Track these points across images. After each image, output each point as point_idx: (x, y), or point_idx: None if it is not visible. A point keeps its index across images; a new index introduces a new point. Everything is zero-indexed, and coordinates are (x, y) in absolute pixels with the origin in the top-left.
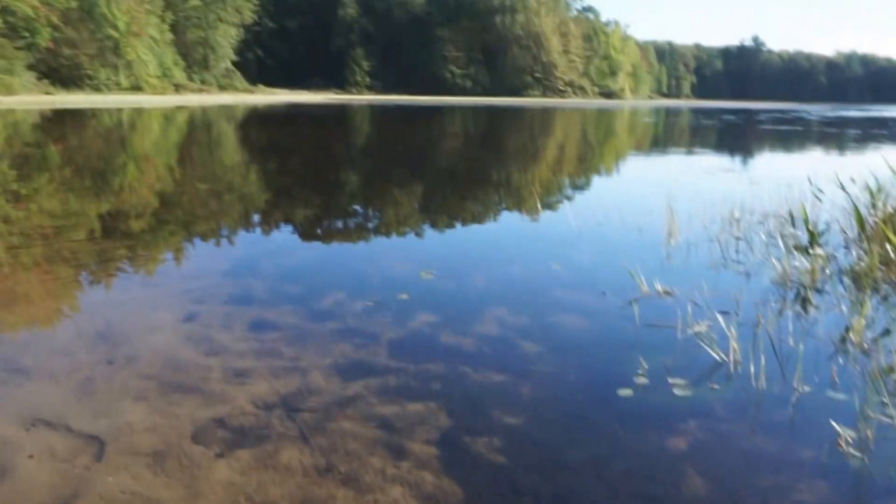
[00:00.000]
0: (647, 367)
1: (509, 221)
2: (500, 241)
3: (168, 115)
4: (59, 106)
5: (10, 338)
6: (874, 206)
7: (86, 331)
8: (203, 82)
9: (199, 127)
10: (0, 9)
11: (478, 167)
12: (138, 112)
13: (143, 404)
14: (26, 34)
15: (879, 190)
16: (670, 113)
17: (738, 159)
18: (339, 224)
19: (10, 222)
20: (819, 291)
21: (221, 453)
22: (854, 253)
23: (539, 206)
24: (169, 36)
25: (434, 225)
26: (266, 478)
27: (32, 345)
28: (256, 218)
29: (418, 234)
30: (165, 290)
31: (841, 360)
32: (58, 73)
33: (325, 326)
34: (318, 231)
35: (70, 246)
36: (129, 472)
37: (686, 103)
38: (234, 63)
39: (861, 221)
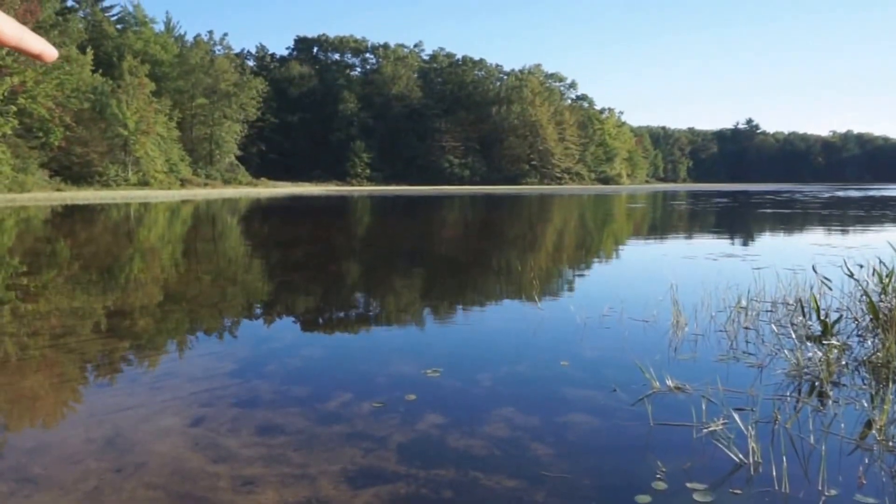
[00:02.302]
0: (664, 469)
1: (512, 313)
2: (505, 335)
3: (174, 209)
4: (69, 202)
5: (19, 444)
6: (885, 291)
7: (94, 437)
8: (208, 177)
9: (203, 220)
10: (17, 111)
11: (478, 256)
12: (145, 206)
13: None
14: (41, 134)
15: (889, 276)
16: (668, 197)
17: (739, 243)
18: (344, 318)
19: (20, 319)
20: (836, 384)
21: None
22: (869, 342)
23: (541, 297)
24: (176, 133)
25: (437, 318)
26: None
27: (41, 452)
28: (261, 313)
29: (422, 328)
30: (172, 392)
31: (866, 460)
32: (69, 171)
33: (333, 430)
34: (323, 326)
35: (78, 345)
36: None
37: (683, 187)
38: (238, 157)
39: (875, 311)
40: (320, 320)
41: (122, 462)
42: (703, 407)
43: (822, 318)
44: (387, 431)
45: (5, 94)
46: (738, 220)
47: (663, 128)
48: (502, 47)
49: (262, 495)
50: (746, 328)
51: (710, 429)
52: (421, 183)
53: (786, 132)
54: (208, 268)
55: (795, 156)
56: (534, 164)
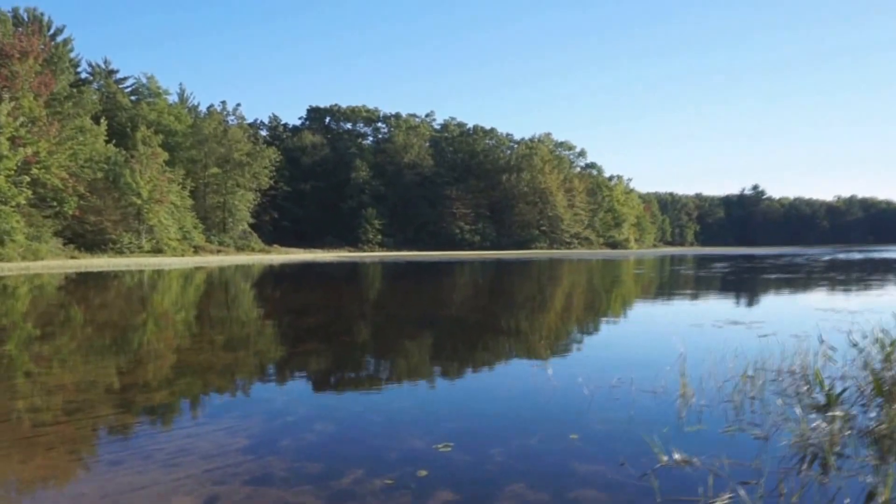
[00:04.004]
0: None
1: (523, 382)
2: (516, 406)
3: (187, 276)
4: (83, 269)
5: None
6: (888, 360)
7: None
8: (221, 244)
9: (216, 286)
10: (30, 181)
11: (488, 320)
12: (159, 273)
13: None
14: (54, 203)
15: (892, 345)
16: (675, 261)
17: (744, 309)
18: (356, 389)
19: (32, 392)
20: (840, 455)
21: None
22: (873, 413)
23: (551, 364)
24: (189, 201)
25: (449, 388)
26: None
27: None
28: (273, 384)
29: (434, 399)
30: (185, 470)
31: None
32: (83, 238)
33: None
34: (335, 398)
35: (90, 421)
36: None
37: (690, 251)
38: (250, 225)
39: (878, 384)
40: (332, 390)
41: None
42: (710, 481)
43: (825, 389)
44: None
45: (19, 164)
46: (743, 286)
47: (671, 193)
48: (512, 117)
49: None
50: (752, 398)
51: None
52: (432, 249)
53: (791, 197)
54: (221, 335)
55: (801, 220)
56: (543, 230)
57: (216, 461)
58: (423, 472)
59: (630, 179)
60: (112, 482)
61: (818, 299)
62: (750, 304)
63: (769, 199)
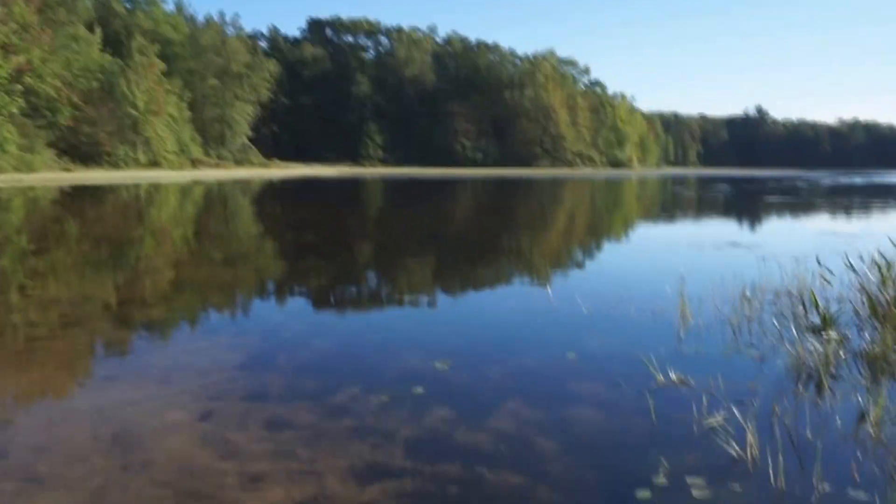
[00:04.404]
0: (664, 465)
1: (522, 302)
2: (513, 326)
3: (185, 190)
4: (78, 182)
5: (24, 441)
6: (884, 284)
7: (101, 433)
8: (220, 157)
9: (215, 201)
10: (23, 90)
11: (488, 240)
12: (156, 187)
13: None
14: (48, 113)
15: (889, 268)
16: (677, 181)
17: (745, 231)
18: (354, 306)
19: (28, 306)
20: (834, 377)
21: None
22: (867, 335)
23: (550, 285)
24: (187, 113)
25: (448, 306)
26: None
27: (47, 449)
28: (271, 301)
29: (432, 317)
30: (181, 385)
31: (859, 455)
32: (77, 150)
33: (341, 424)
34: (333, 315)
35: (86, 336)
36: None
37: (693, 172)
38: (249, 138)
39: (873, 306)
40: (330, 307)
41: (129, 459)
42: (705, 401)
43: (821, 311)
44: (394, 426)
45: (11, 72)
46: (744, 208)
47: (675, 114)
48: (516, 32)
49: (270, 492)
50: (750, 319)
51: (711, 423)
52: (434, 165)
53: (794, 120)
54: (219, 250)
55: (804, 142)
56: (546, 148)
57: (212, 377)
58: (420, 390)
59: (634, 98)
60: (106, 397)
61: (819, 222)
62: (750, 226)
63: (773, 120)
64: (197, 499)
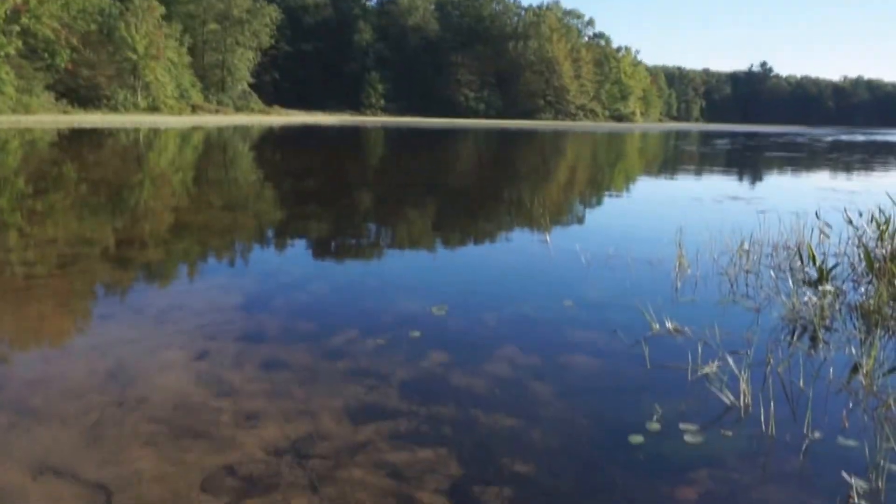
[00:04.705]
0: (658, 411)
1: (520, 250)
2: (512, 273)
3: (184, 135)
4: (76, 125)
5: (20, 375)
6: (881, 238)
7: (97, 370)
8: (220, 103)
9: (214, 147)
10: (20, 31)
11: (490, 189)
12: (155, 132)
13: (152, 451)
14: (46, 56)
15: (887, 223)
16: (680, 136)
17: (745, 186)
18: (352, 251)
19: (25, 245)
20: (828, 329)
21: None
22: (863, 289)
23: (549, 233)
24: (187, 59)
25: (446, 253)
26: None
27: (42, 384)
28: (270, 245)
29: (430, 264)
30: (177, 325)
31: (851, 404)
32: (76, 94)
33: (337, 366)
34: (331, 259)
35: (83, 274)
36: None
37: (695, 126)
38: (250, 85)
39: (870, 260)
40: (329, 253)
41: (125, 395)
42: (700, 350)
43: (818, 264)
44: (390, 369)
45: (7, 13)
46: (746, 163)
47: (678, 68)
48: None
49: (264, 430)
50: (747, 271)
51: (705, 371)
52: (436, 115)
53: (798, 76)
54: (218, 195)
55: (807, 99)
56: (549, 100)
57: (208, 317)
58: (416, 334)
59: (638, 51)
60: (102, 334)
61: (819, 179)
62: (751, 181)
63: (776, 76)
64: (192, 435)
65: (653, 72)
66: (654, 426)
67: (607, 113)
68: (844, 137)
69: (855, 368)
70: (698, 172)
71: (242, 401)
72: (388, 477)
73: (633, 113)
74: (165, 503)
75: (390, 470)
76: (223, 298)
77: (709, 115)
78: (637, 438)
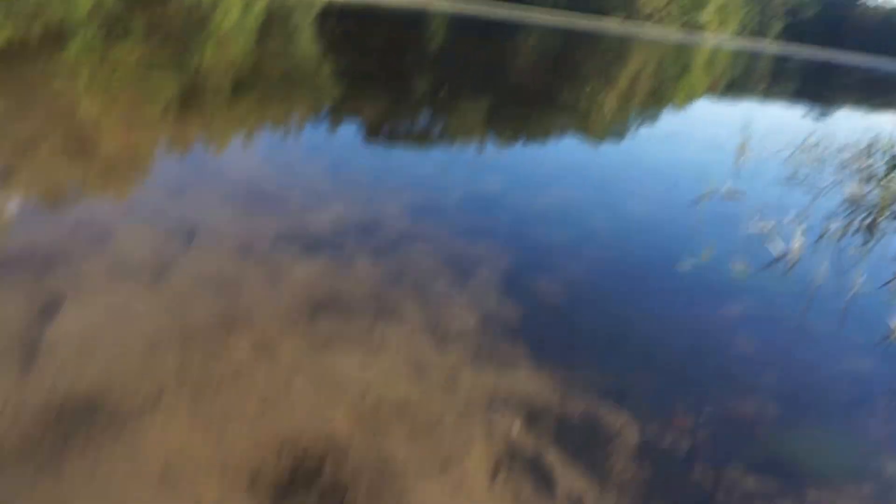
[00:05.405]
0: (707, 250)
1: (581, 149)
2: (574, 155)
3: (247, 4)
4: None
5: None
6: None
7: (181, 162)
8: None
9: (275, 18)
10: None
11: (550, 92)
12: None
13: (232, 208)
14: None
15: None
16: (756, 56)
17: (818, 111)
18: (402, 139)
19: (81, 104)
20: (888, 218)
21: (299, 256)
22: None
23: (609, 127)
24: None
25: (501, 141)
26: (341, 280)
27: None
28: (320, 123)
29: (488, 145)
30: (248, 149)
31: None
32: None
33: (399, 173)
34: (382, 146)
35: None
36: (214, 258)
37: (773, 47)
38: None
39: None
40: (380, 140)
41: (203, 172)
42: (754, 212)
43: (887, 158)
44: (449, 184)
45: None
46: (823, 91)
47: None
48: None
49: (332, 208)
50: (814, 161)
51: (758, 228)
52: (503, 1)
53: (894, 2)
54: (274, 67)
55: None
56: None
57: (279, 148)
58: (474, 164)
59: None
60: (187, 144)
61: None
62: (824, 108)
63: (865, 4)
64: (264, 205)
65: None
66: (703, 260)
67: (681, 21)
68: None
69: None
70: (768, 96)
71: (311, 185)
72: (444, 258)
73: (709, 24)
74: (241, 247)
75: (447, 254)
76: (289, 144)
77: (789, 35)
78: (685, 265)
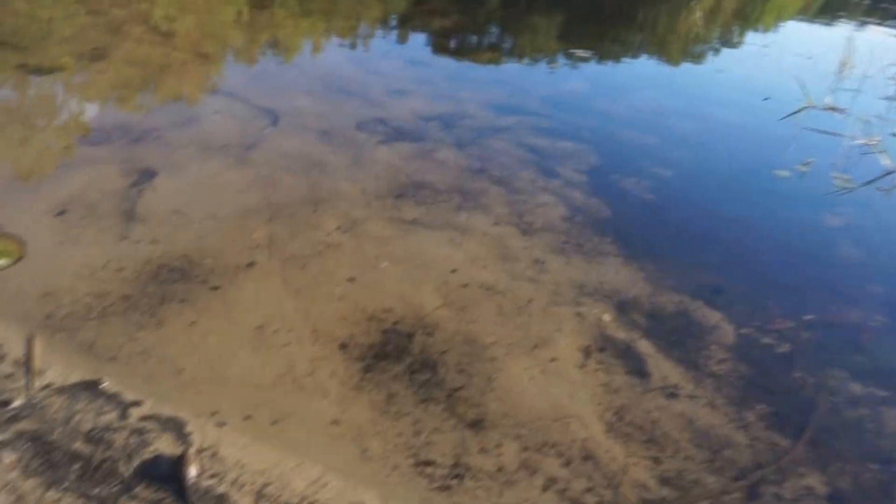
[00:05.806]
0: (807, 160)
1: (661, 56)
2: (656, 68)
3: None
4: None
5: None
6: None
7: (258, 59)
8: None
9: None
10: None
11: (627, 13)
12: None
13: (313, 97)
14: None
15: None
16: None
17: None
18: (471, 58)
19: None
20: None
21: (382, 141)
22: None
23: (692, 44)
24: None
25: (584, 50)
26: (424, 166)
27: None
28: (390, 33)
29: (567, 57)
30: (322, 51)
31: None
32: None
33: (478, 75)
34: (455, 42)
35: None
36: (299, 139)
37: None
38: None
39: None
40: (450, 55)
41: (283, 63)
42: (858, 126)
43: None
44: (530, 85)
45: None
46: None
47: None
48: None
49: (412, 102)
50: None
51: (863, 141)
52: None
53: None
54: None
55: None
56: None
57: (355, 47)
58: (556, 66)
59: None
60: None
61: None
62: None
63: None
64: (346, 94)
65: None
66: (802, 168)
67: None
68: None
69: None
70: (870, 17)
71: (392, 81)
72: (529, 153)
73: None
74: (325, 131)
75: (531, 149)
76: (366, 49)
77: None
78: (783, 173)
